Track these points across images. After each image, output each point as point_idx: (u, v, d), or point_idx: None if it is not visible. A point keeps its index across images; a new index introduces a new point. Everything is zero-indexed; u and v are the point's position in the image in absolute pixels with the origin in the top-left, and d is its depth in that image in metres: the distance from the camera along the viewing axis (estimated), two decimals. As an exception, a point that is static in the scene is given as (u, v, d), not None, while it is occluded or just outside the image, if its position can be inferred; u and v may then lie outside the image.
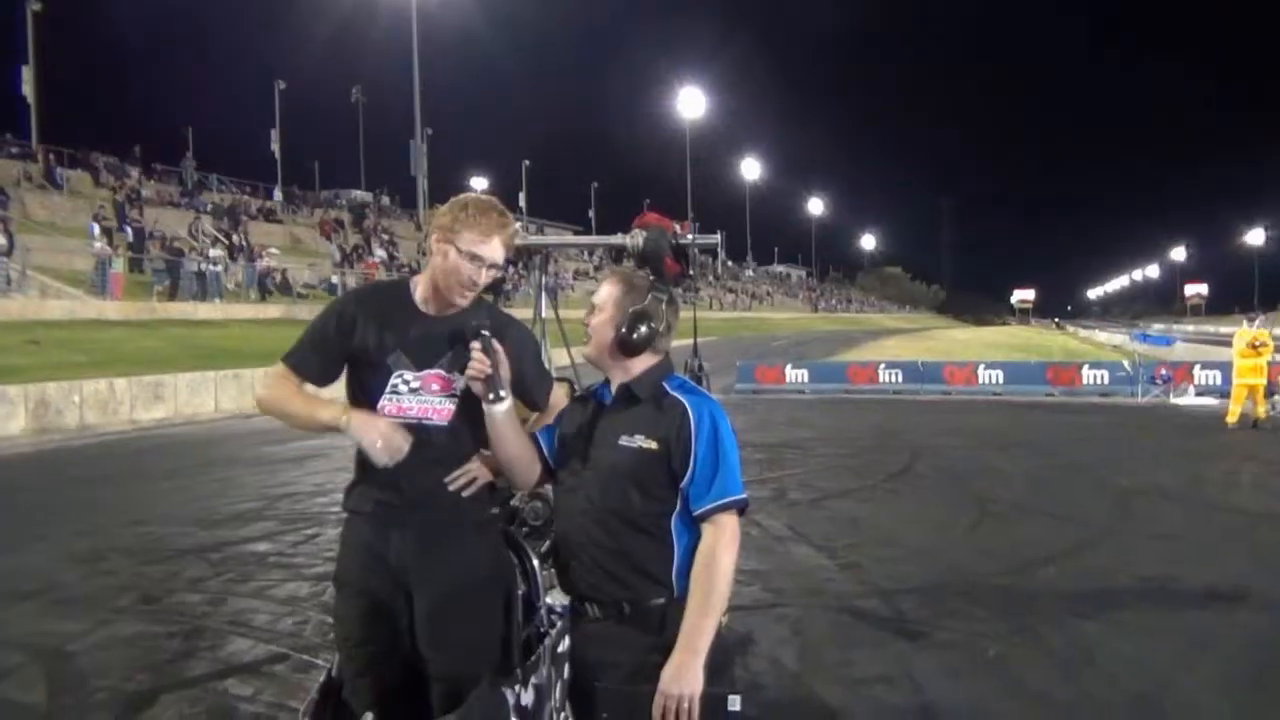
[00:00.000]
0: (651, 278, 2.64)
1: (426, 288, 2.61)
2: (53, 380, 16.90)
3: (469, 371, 2.47)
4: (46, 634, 5.68)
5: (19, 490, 11.41)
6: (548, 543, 2.81)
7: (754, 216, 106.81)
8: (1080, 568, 6.95)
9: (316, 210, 45.58)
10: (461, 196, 2.65)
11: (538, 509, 3.24)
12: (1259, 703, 4.54)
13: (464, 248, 2.53)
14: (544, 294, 3.90)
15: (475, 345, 2.47)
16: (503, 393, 2.49)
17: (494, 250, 2.54)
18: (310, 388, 2.64)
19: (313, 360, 2.61)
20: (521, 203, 68.63)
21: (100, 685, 4.86)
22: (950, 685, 4.76)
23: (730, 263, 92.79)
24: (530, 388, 2.73)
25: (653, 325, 2.47)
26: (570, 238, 5.32)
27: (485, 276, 2.55)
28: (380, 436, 2.46)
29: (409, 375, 2.58)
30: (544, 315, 3.83)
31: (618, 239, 3.69)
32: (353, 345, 2.59)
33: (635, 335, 2.45)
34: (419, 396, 2.56)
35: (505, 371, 2.50)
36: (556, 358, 3.75)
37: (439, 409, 2.56)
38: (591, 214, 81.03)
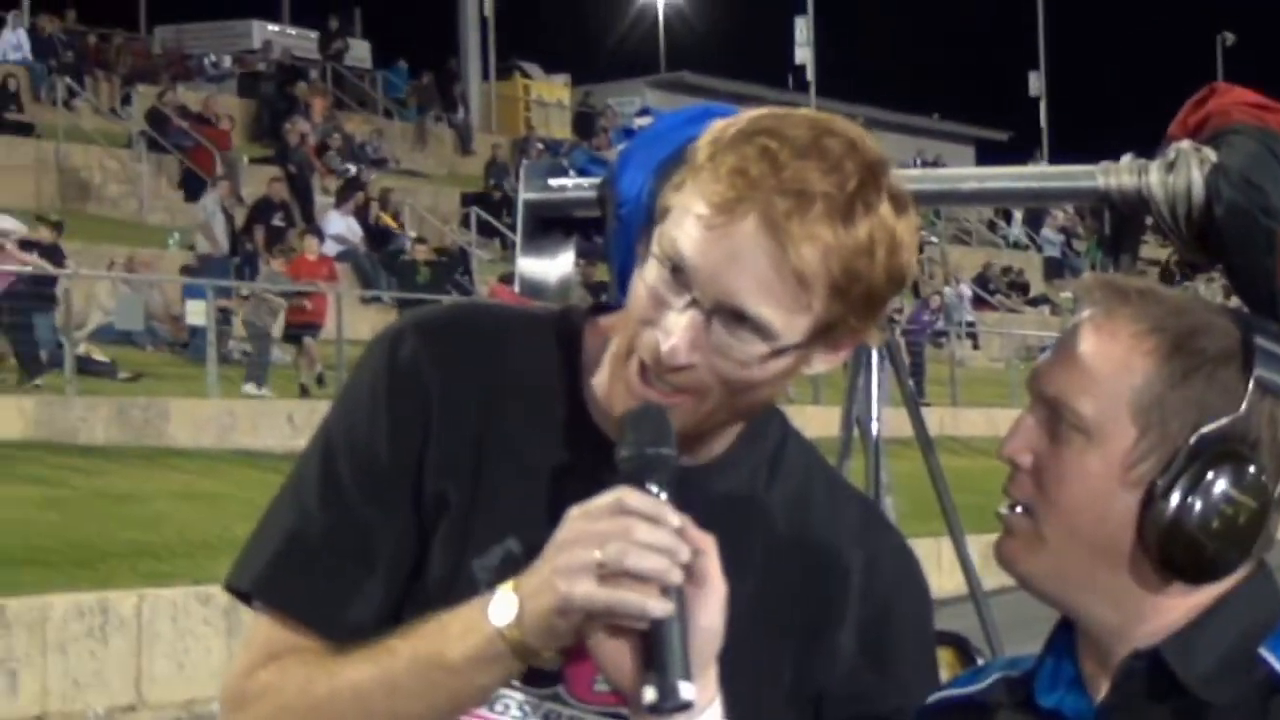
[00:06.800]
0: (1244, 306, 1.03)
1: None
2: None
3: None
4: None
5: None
6: None
7: None
8: None
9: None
10: None
11: None
12: None
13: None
14: (877, 354, 1.77)
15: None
16: (681, 685, 0.70)
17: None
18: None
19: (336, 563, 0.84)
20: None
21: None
22: None
23: None
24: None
25: (1259, 494, 0.69)
26: (968, 178, 1.99)
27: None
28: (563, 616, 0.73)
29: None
30: (878, 417, 1.74)
31: (1097, 180, 1.46)
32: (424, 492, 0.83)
33: (1208, 525, 0.68)
34: (549, 705, 0.82)
35: (709, 623, 0.72)
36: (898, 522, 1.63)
37: None
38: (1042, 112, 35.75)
